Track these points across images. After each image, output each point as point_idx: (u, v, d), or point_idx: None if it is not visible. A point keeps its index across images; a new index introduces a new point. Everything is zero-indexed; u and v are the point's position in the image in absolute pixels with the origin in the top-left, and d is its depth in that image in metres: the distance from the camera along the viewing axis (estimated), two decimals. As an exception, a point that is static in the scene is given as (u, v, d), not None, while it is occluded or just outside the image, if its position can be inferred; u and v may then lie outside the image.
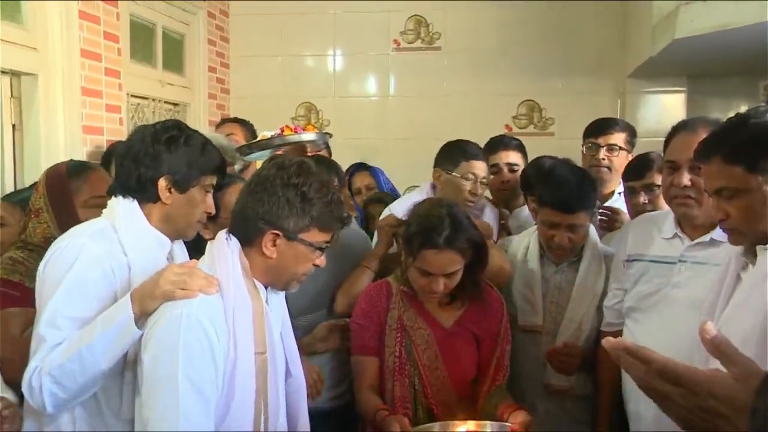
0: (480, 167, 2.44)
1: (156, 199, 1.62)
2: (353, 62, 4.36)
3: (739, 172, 1.32)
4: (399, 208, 2.28)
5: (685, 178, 1.80)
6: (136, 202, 1.62)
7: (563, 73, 4.08)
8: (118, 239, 1.57)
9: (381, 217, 2.34)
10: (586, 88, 4.06)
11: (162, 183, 1.60)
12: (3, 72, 2.61)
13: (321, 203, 1.47)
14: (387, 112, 4.31)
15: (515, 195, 2.78)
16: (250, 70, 4.40)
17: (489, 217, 2.55)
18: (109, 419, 1.54)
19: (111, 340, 1.42)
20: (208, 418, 1.37)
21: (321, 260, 1.53)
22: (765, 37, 2.63)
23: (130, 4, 3.33)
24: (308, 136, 2.37)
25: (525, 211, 2.68)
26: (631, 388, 1.91)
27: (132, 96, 3.39)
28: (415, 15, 4.24)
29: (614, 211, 2.54)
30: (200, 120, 3.99)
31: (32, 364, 1.46)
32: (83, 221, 1.80)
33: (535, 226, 2.30)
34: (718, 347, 0.84)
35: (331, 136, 2.80)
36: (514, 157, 2.83)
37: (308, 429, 1.68)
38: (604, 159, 2.66)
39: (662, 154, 1.98)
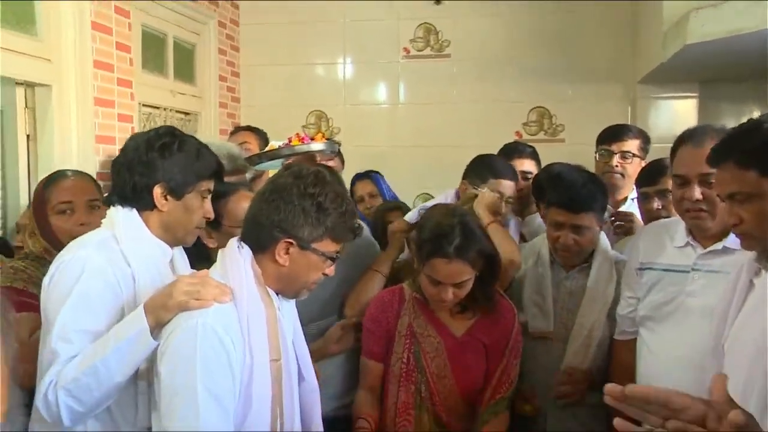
0: (508, 186, 2.40)
1: (153, 206, 1.61)
2: (363, 70, 4.36)
3: (752, 176, 1.31)
4: None
5: (697, 192, 1.78)
6: (135, 211, 1.61)
7: (573, 80, 4.07)
8: (120, 250, 1.57)
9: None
10: (596, 95, 4.04)
11: (157, 190, 1.60)
12: (18, 83, 2.65)
13: (336, 214, 1.48)
14: (397, 120, 4.31)
15: (529, 202, 2.76)
16: (260, 79, 4.42)
17: (513, 230, 2.53)
18: (124, 428, 1.54)
19: (125, 353, 1.42)
20: (227, 426, 1.37)
21: (330, 270, 1.54)
22: (776, 41, 2.62)
23: (142, 14, 3.36)
24: (316, 146, 2.37)
25: (538, 219, 2.65)
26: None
27: (144, 105, 3.42)
28: (425, 23, 4.24)
29: (628, 215, 2.53)
30: (211, 129, 4.02)
31: (46, 378, 1.44)
32: (56, 227, 1.94)
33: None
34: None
35: (339, 144, 2.78)
36: (528, 164, 2.81)
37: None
38: (617, 166, 2.65)
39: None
